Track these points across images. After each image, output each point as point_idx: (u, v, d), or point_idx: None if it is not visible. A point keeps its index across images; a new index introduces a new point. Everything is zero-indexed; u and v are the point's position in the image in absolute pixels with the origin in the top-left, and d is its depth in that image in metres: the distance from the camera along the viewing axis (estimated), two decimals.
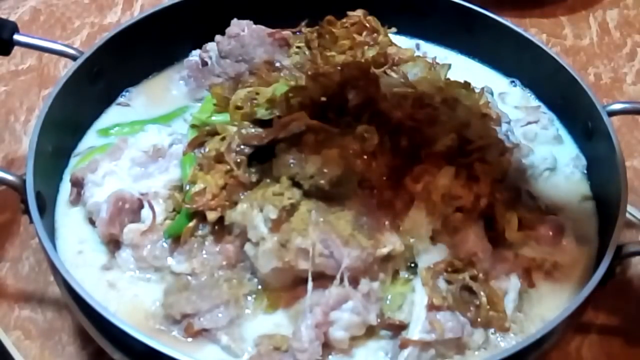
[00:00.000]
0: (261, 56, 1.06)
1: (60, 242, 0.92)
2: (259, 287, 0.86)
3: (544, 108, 1.11)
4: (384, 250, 0.84)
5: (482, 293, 0.84)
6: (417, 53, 1.12)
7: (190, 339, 0.83)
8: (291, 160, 0.86)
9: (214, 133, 0.93)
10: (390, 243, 0.85)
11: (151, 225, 0.89)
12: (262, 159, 0.89)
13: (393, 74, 1.00)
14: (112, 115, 1.07)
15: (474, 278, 0.85)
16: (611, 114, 1.00)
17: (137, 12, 1.41)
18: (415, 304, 0.84)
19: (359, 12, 1.09)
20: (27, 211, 0.87)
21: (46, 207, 0.91)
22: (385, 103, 0.91)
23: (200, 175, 0.88)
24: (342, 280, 0.82)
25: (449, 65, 1.02)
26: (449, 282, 0.85)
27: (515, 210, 0.91)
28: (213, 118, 0.96)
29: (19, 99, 1.24)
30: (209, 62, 1.08)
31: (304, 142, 0.87)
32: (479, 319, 0.84)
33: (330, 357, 0.82)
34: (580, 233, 0.95)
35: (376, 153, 0.89)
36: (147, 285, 0.88)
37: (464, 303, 0.84)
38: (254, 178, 0.88)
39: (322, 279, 0.83)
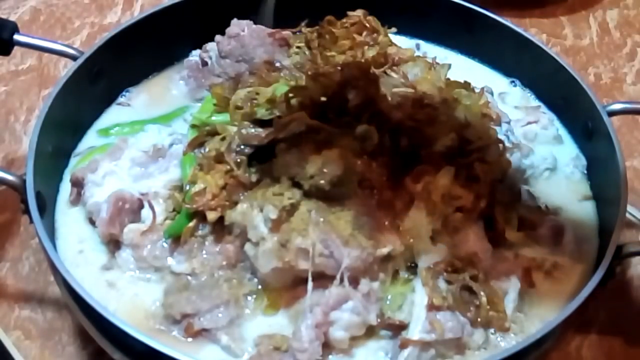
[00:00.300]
0: (261, 56, 1.06)
1: (61, 242, 0.92)
2: (259, 287, 0.86)
3: (544, 108, 1.11)
4: (384, 250, 0.84)
5: (482, 293, 0.84)
6: (417, 53, 1.11)
7: (190, 339, 0.83)
8: (291, 160, 0.86)
9: (214, 133, 0.93)
10: (390, 243, 0.85)
11: (151, 225, 0.89)
12: (262, 159, 0.88)
13: (393, 74, 1.00)
14: (112, 115, 1.07)
15: (474, 278, 0.85)
16: (611, 114, 1.00)
17: (137, 12, 1.42)
18: (415, 304, 0.84)
19: (359, 12, 1.09)
20: (27, 211, 0.87)
21: (46, 207, 0.91)
22: (385, 103, 0.91)
23: (200, 175, 0.88)
24: (342, 280, 0.82)
25: (449, 65, 1.02)
26: (449, 282, 0.85)
27: (515, 210, 0.91)
28: (213, 118, 0.96)
29: (19, 99, 1.24)
30: (209, 62, 1.08)
31: (304, 142, 0.87)
32: (479, 319, 0.84)
33: (330, 357, 0.82)
34: (580, 233, 0.95)
35: (376, 153, 0.89)
36: (147, 285, 0.88)
37: (464, 303, 0.84)
38: (254, 178, 0.88)
39: (322, 279, 0.83)
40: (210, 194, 0.86)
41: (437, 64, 1.04)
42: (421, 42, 1.19)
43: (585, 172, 1.03)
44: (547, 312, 0.87)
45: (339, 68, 0.96)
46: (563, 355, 0.96)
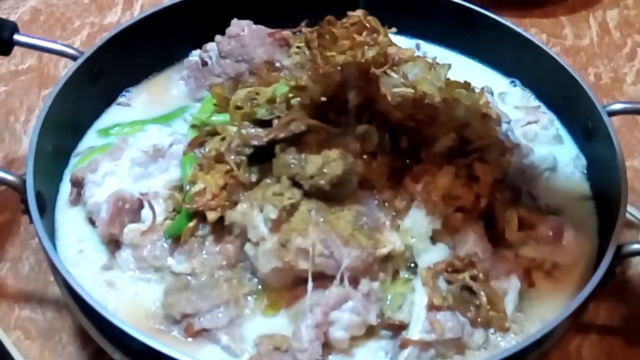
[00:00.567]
0: (261, 56, 1.06)
1: (60, 242, 0.92)
2: (259, 287, 0.86)
3: (544, 108, 1.11)
4: (384, 250, 0.84)
5: (482, 293, 0.84)
6: (417, 53, 1.11)
7: (190, 339, 0.83)
8: (291, 160, 0.86)
9: (214, 133, 0.93)
10: (390, 243, 0.85)
11: (151, 225, 0.89)
12: (262, 159, 0.88)
13: (393, 74, 1.00)
14: (112, 115, 1.07)
15: (474, 278, 0.85)
16: (611, 114, 1.00)
17: (137, 12, 1.41)
18: (415, 304, 0.84)
19: (359, 12, 1.09)
20: (27, 211, 0.87)
21: (46, 207, 0.91)
22: (385, 103, 0.91)
23: (200, 175, 0.88)
24: (342, 280, 0.82)
25: (449, 65, 1.02)
26: (449, 282, 0.85)
27: (515, 210, 0.91)
28: (213, 118, 0.96)
29: (19, 99, 1.24)
30: (209, 62, 1.08)
31: (304, 142, 0.87)
32: (479, 319, 0.84)
33: (330, 357, 0.82)
34: (581, 233, 0.95)
35: (376, 153, 0.89)
36: (147, 285, 0.88)
37: (464, 303, 0.84)
38: (254, 178, 0.88)
39: (322, 279, 0.83)
40: (210, 194, 0.86)
41: (437, 64, 1.04)
42: (421, 42, 1.19)
43: (585, 172, 1.03)
44: (547, 312, 0.87)
45: (339, 68, 0.96)
46: (563, 355, 0.96)
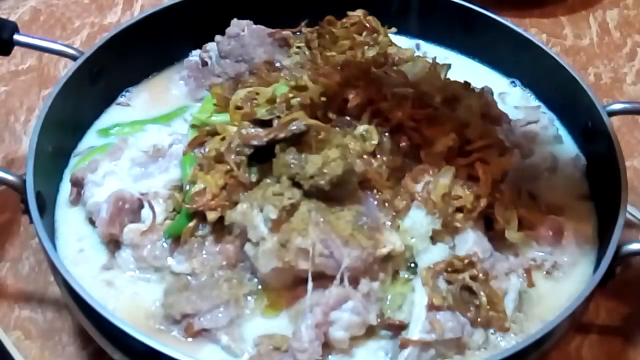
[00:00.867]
0: (261, 56, 1.06)
1: (60, 242, 0.92)
2: (259, 287, 0.86)
3: (544, 108, 1.11)
4: (384, 250, 0.84)
5: (482, 293, 0.84)
6: (417, 53, 1.12)
7: (190, 339, 0.83)
8: (291, 160, 0.85)
9: (214, 133, 0.93)
10: (390, 243, 0.85)
11: (151, 225, 0.89)
12: (262, 159, 0.88)
13: (393, 74, 1.00)
14: (112, 115, 1.07)
15: (474, 278, 0.85)
16: (611, 114, 1.00)
17: (137, 12, 1.41)
18: (415, 304, 0.84)
19: (359, 12, 1.09)
20: (27, 211, 0.87)
21: (46, 207, 0.91)
22: (385, 103, 0.91)
23: (200, 175, 0.88)
24: (342, 280, 0.82)
25: (449, 65, 1.02)
26: (449, 282, 0.85)
27: (515, 210, 0.91)
28: (213, 118, 0.96)
29: (19, 99, 1.24)
30: (209, 62, 1.08)
31: (304, 142, 0.87)
32: (479, 319, 0.84)
33: (330, 357, 0.82)
34: (580, 233, 0.95)
35: (376, 153, 0.89)
36: (147, 285, 0.88)
37: (464, 303, 0.84)
38: (254, 178, 0.88)
39: (322, 279, 0.83)
40: (210, 194, 0.86)
41: (437, 63, 1.04)
42: (421, 42, 1.19)
43: (585, 172, 1.03)
44: (547, 312, 0.87)
45: (339, 68, 0.96)
46: (563, 355, 0.96)
